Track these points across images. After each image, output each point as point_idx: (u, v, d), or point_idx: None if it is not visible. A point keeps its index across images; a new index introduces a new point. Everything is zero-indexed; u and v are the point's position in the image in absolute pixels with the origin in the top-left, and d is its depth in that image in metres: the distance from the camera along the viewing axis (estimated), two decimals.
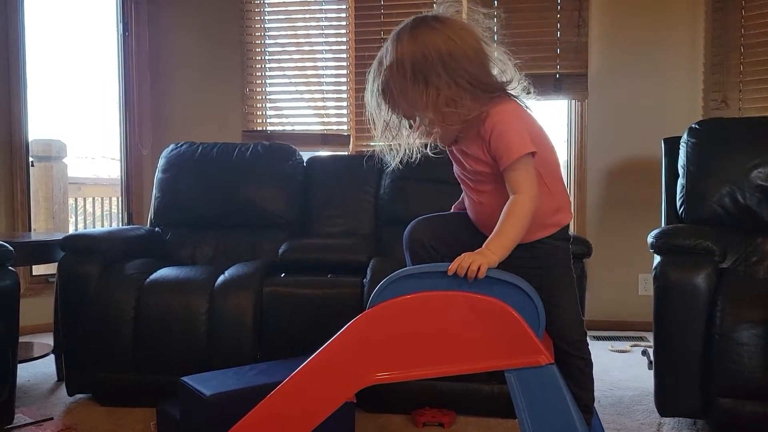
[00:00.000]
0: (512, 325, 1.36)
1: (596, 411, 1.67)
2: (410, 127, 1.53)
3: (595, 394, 1.66)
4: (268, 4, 4.28)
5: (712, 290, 2.19)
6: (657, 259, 2.33)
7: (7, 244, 2.31)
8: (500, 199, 1.48)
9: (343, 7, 4.20)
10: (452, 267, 1.37)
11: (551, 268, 1.58)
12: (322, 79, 4.28)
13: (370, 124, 1.56)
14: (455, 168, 1.63)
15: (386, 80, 1.46)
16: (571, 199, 3.90)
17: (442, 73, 1.42)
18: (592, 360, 1.62)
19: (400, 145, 1.58)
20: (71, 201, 5.63)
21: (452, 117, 1.44)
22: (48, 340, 3.19)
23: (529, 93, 1.54)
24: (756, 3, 3.69)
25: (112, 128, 4.37)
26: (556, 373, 1.37)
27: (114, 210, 5.80)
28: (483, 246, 1.41)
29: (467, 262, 1.36)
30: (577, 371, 1.56)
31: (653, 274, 2.30)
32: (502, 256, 1.41)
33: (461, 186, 1.64)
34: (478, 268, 1.36)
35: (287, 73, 4.31)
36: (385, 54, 1.47)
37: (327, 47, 4.26)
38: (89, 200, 6.03)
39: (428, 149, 1.60)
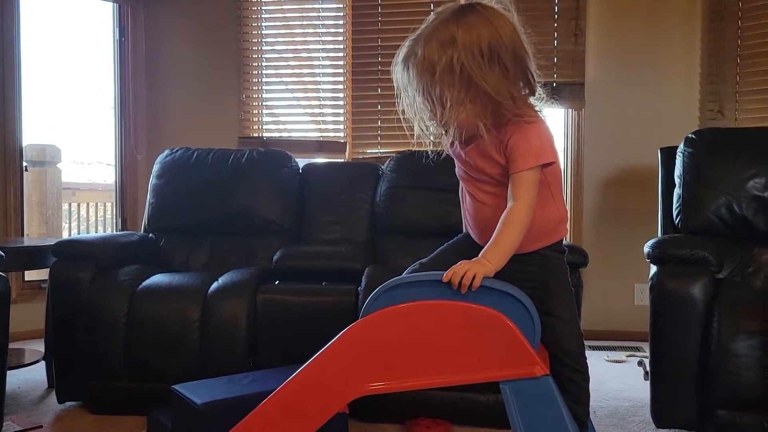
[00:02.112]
0: (507, 335, 1.34)
1: (591, 423, 1.65)
2: (440, 117, 1.44)
3: (591, 405, 1.64)
4: (265, 10, 4.27)
5: (708, 300, 2.18)
6: (653, 268, 2.32)
7: None
8: (504, 201, 1.47)
9: (341, 14, 4.19)
10: (447, 275, 1.36)
11: (550, 280, 1.57)
12: (319, 86, 4.26)
13: (405, 107, 1.48)
14: (458, 167, 1.61)
15: (458, 58, 1.37)
16: (568, 208, 3.89)
17: (512, 57, 1.41)
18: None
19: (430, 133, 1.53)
20: (65, 206, 5.62)
21: (517, 101, 1.41)
22: (39, 346, 3.16)
23: (546, 101, 1.52)
24: (752, 14, 3.70)
25: (107, 133, 4.35)
26: (551, 385, 1.35)
27: (108, 215, 5.78)
28: (480, 255, 1.40)
29: (462, 270, 1.35)
30: (573, 385, 1.54)
31: (649, 283, 2.29)
32: (499, 265, 1.40)
33: (463, 185, 1.61)
34: (474, 277, 1.34)
35: (284, 79, 4.30)
36: (456, 31, 1.39)
37: (324, 54, 4.25)
38: (84, 206, 6.01)
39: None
